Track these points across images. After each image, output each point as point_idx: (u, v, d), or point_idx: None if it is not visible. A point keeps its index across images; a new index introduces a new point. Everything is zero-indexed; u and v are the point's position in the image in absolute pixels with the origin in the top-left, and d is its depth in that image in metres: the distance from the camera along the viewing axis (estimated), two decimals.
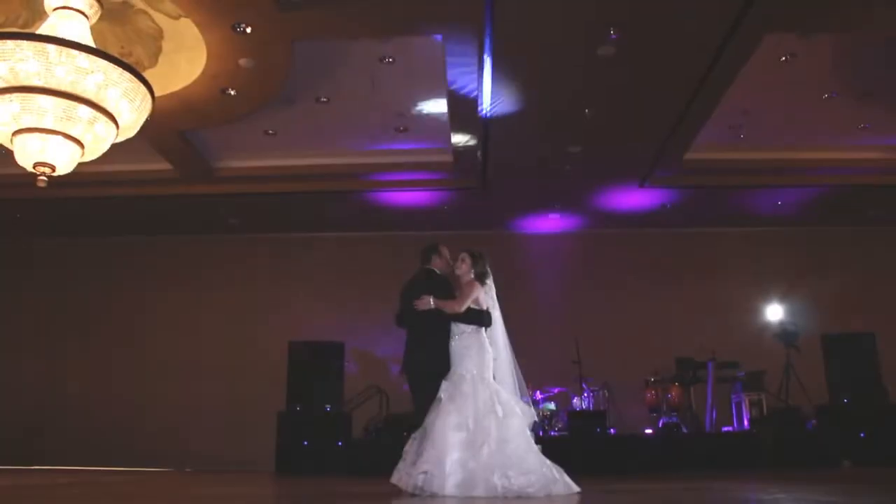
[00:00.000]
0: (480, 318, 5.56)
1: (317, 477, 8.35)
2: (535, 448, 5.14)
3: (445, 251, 5.93)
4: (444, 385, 5.29)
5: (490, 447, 4.92)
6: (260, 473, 9.38)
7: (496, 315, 5.71)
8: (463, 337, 5.49)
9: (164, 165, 9.77)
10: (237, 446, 10.86)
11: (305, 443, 9.23)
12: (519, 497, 4.69)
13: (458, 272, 5.75)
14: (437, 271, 5.84)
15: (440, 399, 5.22)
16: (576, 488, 5.02)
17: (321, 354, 9.83)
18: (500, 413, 5.12)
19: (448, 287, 5.73)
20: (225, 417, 11.14)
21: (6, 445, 10.91)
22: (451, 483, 4.80)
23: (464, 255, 5.76)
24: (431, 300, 5.47)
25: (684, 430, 9.65)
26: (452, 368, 5.38)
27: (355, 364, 10.89)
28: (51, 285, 12.25)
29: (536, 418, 5.47)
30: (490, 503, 4.44)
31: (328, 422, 9.43)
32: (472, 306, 5.55)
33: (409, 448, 5.17)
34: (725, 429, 10.20)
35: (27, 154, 5.97)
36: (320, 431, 9.32)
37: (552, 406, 10.11)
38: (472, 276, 5.68)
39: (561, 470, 5.07)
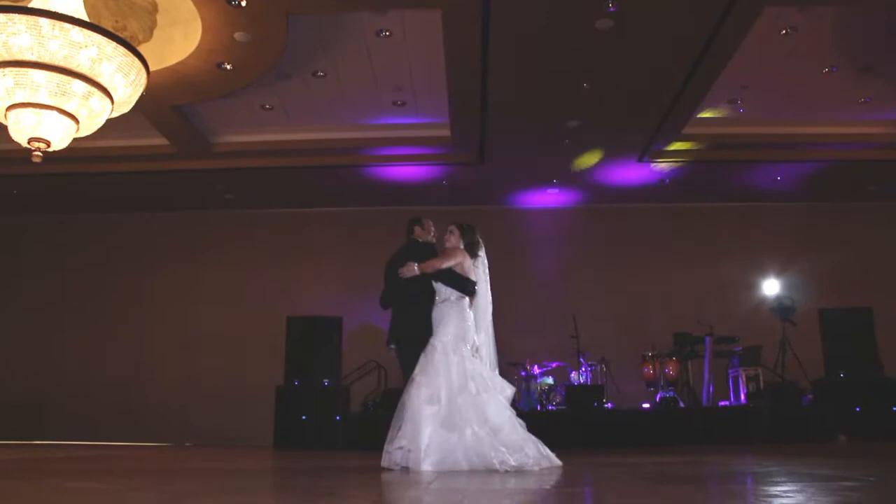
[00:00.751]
0: (462, 284, 5.50)
1: (315, 451, 8.40)
2: (518, 424, 5.13)
3: (429, 224, 5.96)
4: (420, 357, 5.28)
5: (473, 428, 4.89)
6: (259, 448, 9.43)
7: (484, 289, 5.66)
8: (444, 305, 5.46)
9: (161, 141, 9.72)
10: (237, 421, 10.92)
11: (304, 417, 9.27)
12: (517, 472, 4.68)
13: (447, 245, 5.71)
14: (421, 241, 5.87)
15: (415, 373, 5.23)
16: (558, 462, 5.04)
17: (319, 329, 9.85)
18: (474, 389, 5.09)
19: (432, 252, 5.75)
20: (224, 392, 11.19)
21: (6, 421, 10.97)
22: (428, 462, 4.79)
23: (452, 227, 5.74)
24: (416, 266, 5.48)
25: (681, 405, 9.70)
26: (430, 338, 5.36)
27: (354, 339, 10.91)
28: (48, 262, 12.24)
29: (513, 393, 5.39)
30: (482, 478, 4.44)
31: (326, 396, 9.47)
32: (458, 271, 5.52)
33: (392, 426, 5.16)
34: (722, 403, 10.24)
35: (21, 129, 5.95)
36: (319, 406, 9.37)
37: (550, 380, 10.17)
38: (462, 246, 5.65)
39: (542, 444, 5.09)
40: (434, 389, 5.06)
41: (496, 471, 4.68)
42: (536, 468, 4.81)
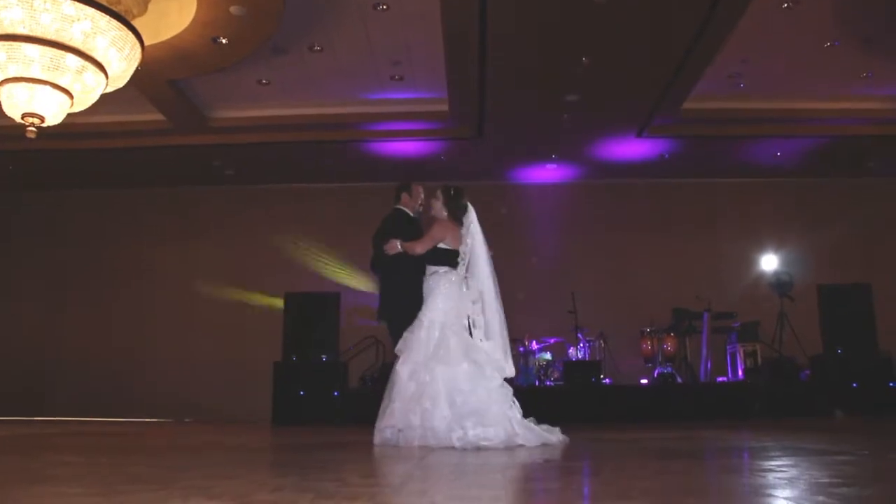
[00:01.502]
0: (446, 259, 5.37)
1: (313, 426, 8.42)
2: (502, 398, 4.96)
3: (418, 190, 5.77)
4: (405, 333, 5.19)
5: (433, 400, 4.80)
6: (258, 423, 9.46)
7: (480, 251, 5.43)
8: (433, 277, 5.34)
9: (157, 116, 9.66)
10: (236, 397, 10.94)
11: (302, 393, 9.29)
12: (478, 448, 4.50)
13: (432, 211, 5.55)
14: (409, 212, 5.73)
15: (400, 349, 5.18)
16: (550, 439, 4.85)
17: (318, 305, 9.85)
18: (444, 361, 4.95)
19: (417, 228, 5.62)
20: (223, 368, 11.20)
21: (7, 397, 11.00)
22: (416, 437, 4.76)
23: (437, 192, 5.54)
24: (398, 244, 5.35)
25: (679, 380, 9.73)
26: (419, 312, 5.24)
27: (352, 315, 10.91)
28: (47, 239, 12.22)
29: (508, 370, 5.21)
30: (477, 452, 4.44)
31: (324, 372, 9.49)
32: (443, 246, 5.37)
33: (383, 402, 5.10)
34: (720, 379, 10.28)
35: (15, 104, 5.92)
36: (317, 382, 9.38)
37: (548, 356, 10.21)
38: (446, 213, 5.49)
39: (528, 423, 4.89)
40: (415, 365, 5.00)
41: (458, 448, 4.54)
42: (503, 446, 4.58)
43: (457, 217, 5.48)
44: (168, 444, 5.67)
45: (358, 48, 8.40)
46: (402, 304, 5.40)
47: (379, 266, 5.67)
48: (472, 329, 5.31)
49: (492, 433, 4.64)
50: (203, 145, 10.39)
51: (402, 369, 5.06)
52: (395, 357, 5.32)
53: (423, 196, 5.77)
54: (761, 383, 9.37)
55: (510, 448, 4.58)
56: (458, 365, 4.97)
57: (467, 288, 5.39)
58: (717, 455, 4.32)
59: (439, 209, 5.52)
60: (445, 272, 5.36)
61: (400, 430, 4.87)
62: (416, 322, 5.21)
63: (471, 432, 4.62)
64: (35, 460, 4.10)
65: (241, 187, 12.19)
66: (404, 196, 5.76)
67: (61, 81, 5.87)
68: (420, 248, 5.35)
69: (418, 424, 4.80)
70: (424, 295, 5.33)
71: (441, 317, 5.19)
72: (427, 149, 10.74)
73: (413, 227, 5.65)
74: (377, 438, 5.02)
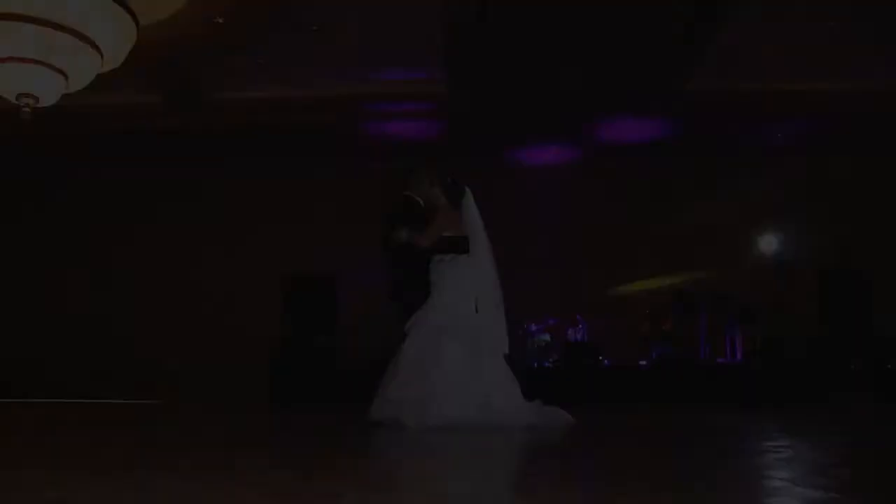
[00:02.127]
0: (454, 247, 5.42)
1: (310, 408, 8.43)
2: (494, 381, 5.02)
3: (423, 174, 5.78)
4: (415, 314, 5.27)
5: (430, 381, 4.90)
6: (255, 405, 9.46)
7: (479, 232, 5.49)
8: (439, 264, 5.39)
9: (153, 97, 9.60)
10: (234, 378, 10.92)
11: (300, 375, 9.29)
12: (453, 429, 4.58)
13: (431, 197, 5.61)
14: (416, 197, 5.77)
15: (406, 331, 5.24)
16: (538, 422, 4.86)
17: (315, 287, 9.84)
18: (445, 344, 5.04)
19: (424, 214, 5.65)
20: (221, 351, 11.18)
21: (5, 378, 11.00)
22: (412, 414, 4.79)
23: (434, 177, 5.60)
24: (405, 233, 5.39)
25: (678, 362, 9.71)
26: (429, 296, 5.31)
27: (350, 297, 10.89)
28: (44, 221, 12.18)
29: (506, 350, 5.34)
30: (474, 434, 4.44)
31: (322, 354, 9.48)
32: (447, 234, 5.42)
33: (385, 378, 5.17)
34: (719, 360, 10.27)
35: (9, 84, 5.86)
36: (314, 364, 9.38)
37: (547, 337, 10.19)
38: (444, 199, 5.53)
39: (520, 404, 4.97)
40: (420, 346, 5.07)
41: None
42: (483, 427, 4.62)
43: (455, 200, 5.52)
44: (164, 426, 5.67)
45: (356, 27, 8.32)
46: (413, 285, 5.48)
47: (390, 247, 5.70)
48: (477, 308, 5.40)
49: (472, 414, 4.73)
50: (199, 126, 10.33)
51: (408, 349, 5.15)
52: (400, 338, 5.36)
53: (428, 180, 5.77)
54: (760, 365, 9.35)
55: (496, 429, 4.62)
56: (456, 349, 5.05)
57: (470, 269, 5.42)
58: (716, 436, 4.32)
59: (437, 194, 5.58)
60: (451, 258, 5.42)
61: (398, 407, 4.91)
62: (426, 305, 5.29)
63: (446, 412, 4.71)
64: (20, 440, 4.11)
65: (237, 168, 12.10)
66: (411, 181, 5.80)
67: (55, 62, 5.82)
68: (426, 242, 5.41)
69: (413, 402, 4.83)
70: (432, 281, 5.40)
71: (452, 301, 5.28)
72: (427, 129, 10.68)
73: (420, 213, 5.71)
74: (375, 414, 5.07)
